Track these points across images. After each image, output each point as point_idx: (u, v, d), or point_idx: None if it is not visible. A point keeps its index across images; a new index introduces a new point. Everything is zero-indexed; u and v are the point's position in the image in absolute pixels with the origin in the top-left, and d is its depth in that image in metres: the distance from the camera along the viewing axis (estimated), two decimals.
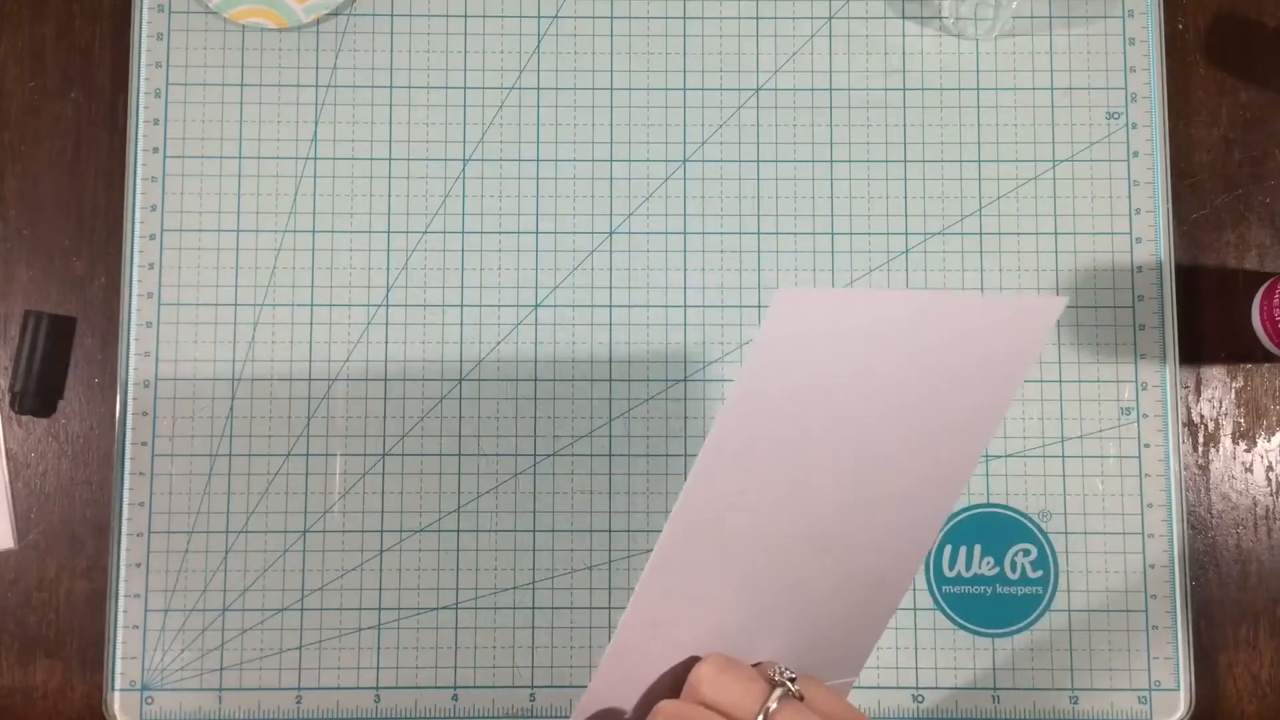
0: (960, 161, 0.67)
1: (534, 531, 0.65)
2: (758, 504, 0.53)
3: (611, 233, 0.66)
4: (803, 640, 0.55)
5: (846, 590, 0.56)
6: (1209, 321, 0.67)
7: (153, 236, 0.65)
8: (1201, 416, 0.66)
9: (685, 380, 0.65)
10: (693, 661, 0.51)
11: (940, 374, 0.56)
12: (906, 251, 0.66)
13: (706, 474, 0.51)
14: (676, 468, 0.65)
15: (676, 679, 0.51)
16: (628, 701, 0.53)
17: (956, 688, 0.63)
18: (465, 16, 0.67)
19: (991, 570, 0.64)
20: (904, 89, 0.67)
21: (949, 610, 0.64)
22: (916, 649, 0.64)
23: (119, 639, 0.63)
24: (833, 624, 0.56)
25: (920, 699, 0.63)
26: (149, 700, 0.63)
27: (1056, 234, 0.66)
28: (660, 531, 0.50)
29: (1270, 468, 0.66)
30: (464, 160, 0.66)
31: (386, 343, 0.65)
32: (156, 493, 0.64)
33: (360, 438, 0.65)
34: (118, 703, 0.63)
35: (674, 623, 0.52)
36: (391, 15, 0.67)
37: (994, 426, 0.56)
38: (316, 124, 0.67)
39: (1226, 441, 0.66)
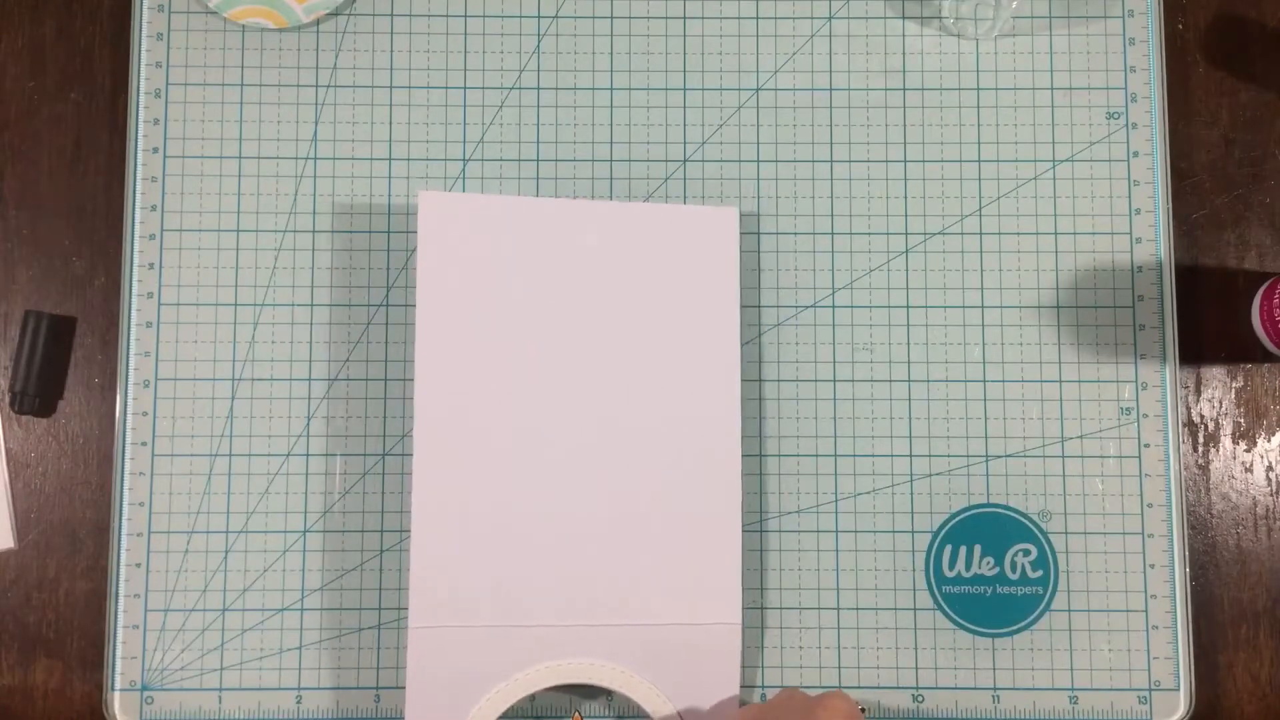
0: (960, 161, 0.66)
1: None
2: (494, 424, 0.60)
3: None
4: (649, 581, 0.60)
5: (660, 525, 0.61)
6: (1209, 321, 0.67)
7: (153, 236, 0.65)
8: (1201, 416, 0.66)
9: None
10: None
11: (646, 279, 0.61)
12: (906, 251, 0.66)
13: (428, 390, 0.59)
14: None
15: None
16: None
17: (956, 688, 0.63)
18: (465, 16, 0.67)
19: (991, 570, 0.64)
20: (904, 89, 0.67)
21: (949, 610, 0.64)
22: (916, 649, 0.64)
23: (119, 639, 0.63)
24: (671, 563, 0.61)
25: (920, 699, 0.63)
26: (149, 700, 0.63)
27: (1056, 234, 0.66)
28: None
29: (1270, 468, 0.66)
30: (464, 160, 0.66)
31: (386, 343, 0.65)
32: (156, 493, 0.64)
33: (360, 438, 0.65)
34: (118, 703, 0.63)
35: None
36: (391, 15, 0.67)
37: (733, 339, 0.62)
38: (316, 124, 0.67)
39: (1226, 441, 0.66)
